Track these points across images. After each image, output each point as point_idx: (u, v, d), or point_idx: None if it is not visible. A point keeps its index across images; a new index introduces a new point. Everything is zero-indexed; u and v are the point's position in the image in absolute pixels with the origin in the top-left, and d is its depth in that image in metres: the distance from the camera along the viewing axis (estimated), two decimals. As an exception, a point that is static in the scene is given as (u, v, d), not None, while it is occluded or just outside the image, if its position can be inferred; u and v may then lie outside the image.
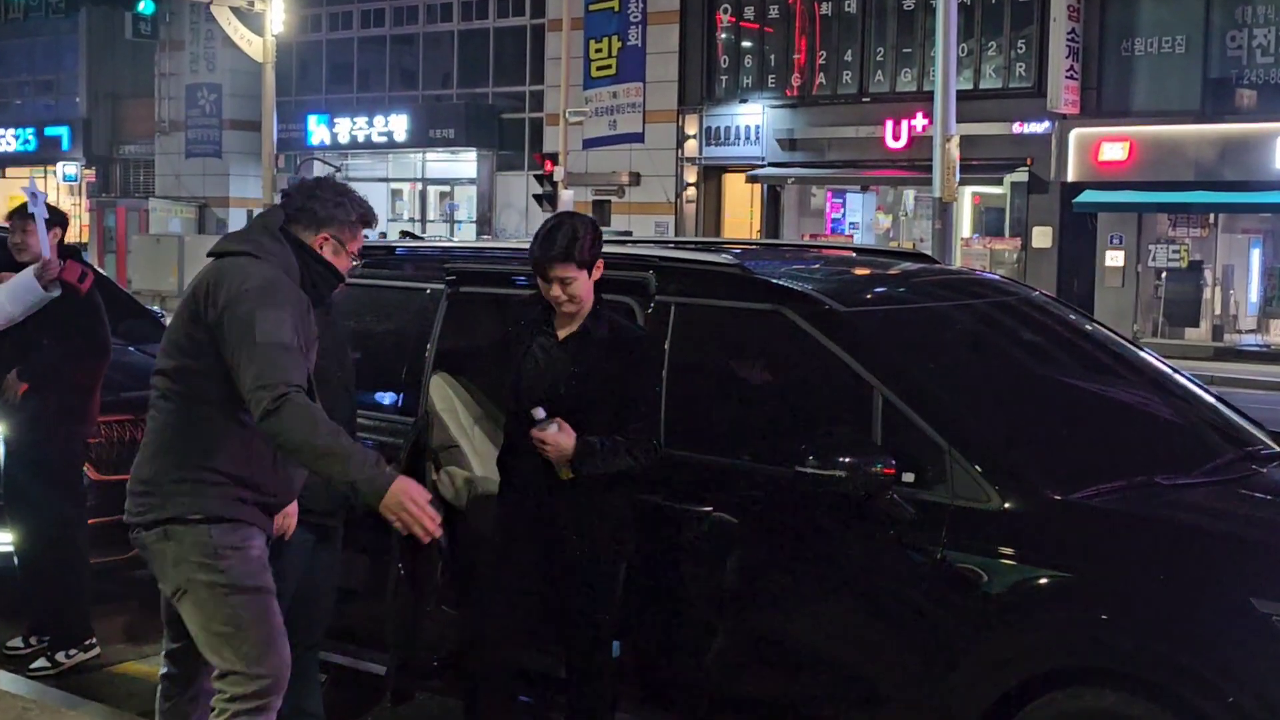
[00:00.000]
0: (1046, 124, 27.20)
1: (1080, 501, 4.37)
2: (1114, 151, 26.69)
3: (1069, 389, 5.57)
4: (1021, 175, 27.79)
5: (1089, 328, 5.95)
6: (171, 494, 4.30)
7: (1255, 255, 27.06)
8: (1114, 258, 27.13)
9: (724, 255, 5.54)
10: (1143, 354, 5.90)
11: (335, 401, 4.77)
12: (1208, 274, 26.92)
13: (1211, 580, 4.11)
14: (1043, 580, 4.26)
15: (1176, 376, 5.73)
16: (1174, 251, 26.89)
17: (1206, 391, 5.76)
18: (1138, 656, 4.05)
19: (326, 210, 4.49)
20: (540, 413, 4.80)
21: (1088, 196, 26.60)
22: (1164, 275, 26.97)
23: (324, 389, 4.52)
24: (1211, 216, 26.80)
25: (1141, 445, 5.13)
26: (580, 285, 4.88)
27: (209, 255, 4.45)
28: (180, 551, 4.27)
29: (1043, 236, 27.64)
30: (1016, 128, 27.28)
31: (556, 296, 4.90)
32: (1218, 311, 26.95)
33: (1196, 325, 26.81)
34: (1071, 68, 27.04)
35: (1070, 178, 27.14)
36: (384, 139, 37.81)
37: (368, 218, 4.60)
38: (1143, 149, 26.31)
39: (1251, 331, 26.77)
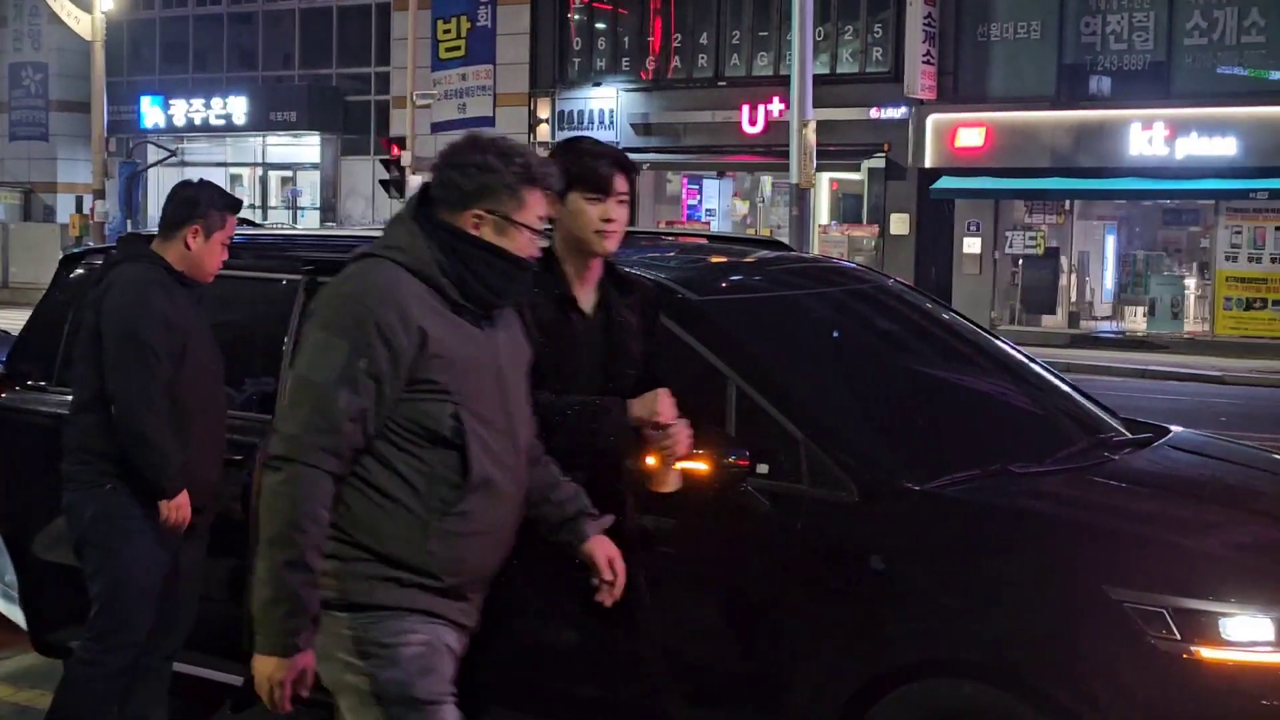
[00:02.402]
0: (904, 109, 27.08)
1: (935, 491, 4.36)
2: (971, 138, 26.65)
3: (924, 378, 5.62)
4: (879, 161, 27.68)
5: (944, 316, 5.97)
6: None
7: (1110, 242, 27.19)
8: (971, 244, 27.14)
9: None
10: (997, 342, 5.89)
11: (211, 397, 4.73)
12: (1064, 261, 27.02)
13: (1064, 568, 4.12)
14: (902, 571, 4.26)
15: (1030, 364, 5.77)
16: (1031, 238, 26.98)
17: (1060, 379, 5.82)
18: (993, 646, 4.08)
19: (472, 178, 3.42)
20: (670, 410, 3.89)
21: (945, 183, 26.55)
22: (1021, 262, 27.04)
23: (201, 383, 4.29)
24: (1067, 203, 26.91)
25: (996, 434, 5.19)
26: (628, 210, 4.09)
27: (348, 261, 3.55)
28: (324, 644, 3.40)
29: (900, 223, 27.55)
30: (874, 113, 27.14)
31: (609, 226, 3.95)
32: (1074, 298, 27.06)
33: (1053, 312, 26.96)
34: (928, 53, 26.92)
35: (928, 164, 27.06)
36: (222, 122, 36.64)
37: (535, 173, 3.45)
38: (999, 135, 26.30)
39: (1107, 318, 26.94)
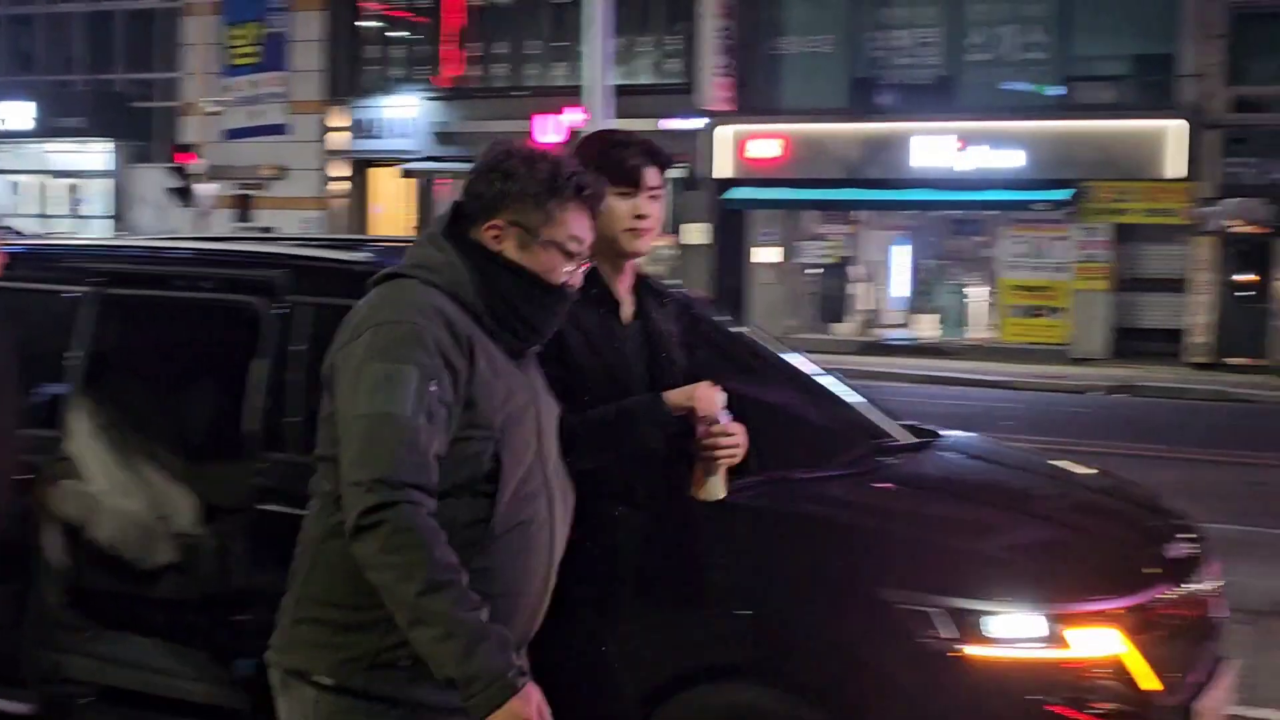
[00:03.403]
0: (699, 121, 27.31)
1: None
2: (765, 148, 27.04)
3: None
4: (675, 171, 27.81)
5: (730, 325, 5.97)
6: (295, 637, 3.01)
7: (901, 252, 27.78)
8: (766, 254, 27.54)
9: (362, 253, 5.27)
10: (782, 350, 5.95)
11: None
12: (856, 270, 27.55)
13: (839, 572, 4.18)
14: (683, 577, 4.23)
15: (814, 371, 5.82)
16: (824, 248, 27.45)
17: (845, 385, 5.88)
18: (774, 651, 4.11)
19: (492, 185, 3.03)
20: (712, 403, 3.53)
21: (739, 193, 26.90)
22: (814, 272, 27.42)
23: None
24: (859, 213, 27.42)
25: (779, 441, 5.06)
26: (663, 206, 3.74)
27: (368, 285, 3.13)
28: (290, 710, 3.04)
29: (697, 233, 27.81)
30: (670, 124, 27.30)
31: (641, 223, 3.59)
32: (866, 307, 27.58)
33: (844, 320, 27.38)
34: (723, 65, 27.22)
35: (723, 174, 27.37)
36: (-1, 127, 35.24)
37: (563, 183, 3.03)
38: (793, 146, 26.73)
39: (898, 326, 27.51)
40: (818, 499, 4.63)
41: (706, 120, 27.32)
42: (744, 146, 27.27)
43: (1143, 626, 4.23)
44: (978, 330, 26.92)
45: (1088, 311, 25.40)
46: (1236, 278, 25.02)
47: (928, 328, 27.18)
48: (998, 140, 25.32)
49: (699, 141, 27.45)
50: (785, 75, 27.79)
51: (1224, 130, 24.71)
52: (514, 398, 3.00)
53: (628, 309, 3.68)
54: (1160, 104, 25.14)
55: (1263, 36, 25.06)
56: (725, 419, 3.50)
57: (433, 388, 2.84)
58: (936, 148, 25.77)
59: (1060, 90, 25.86)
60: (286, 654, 3.02)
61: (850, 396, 5.78)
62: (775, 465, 4.69)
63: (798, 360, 5.88)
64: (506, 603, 2.94)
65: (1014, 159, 25.32)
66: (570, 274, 3.07)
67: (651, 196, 3.64)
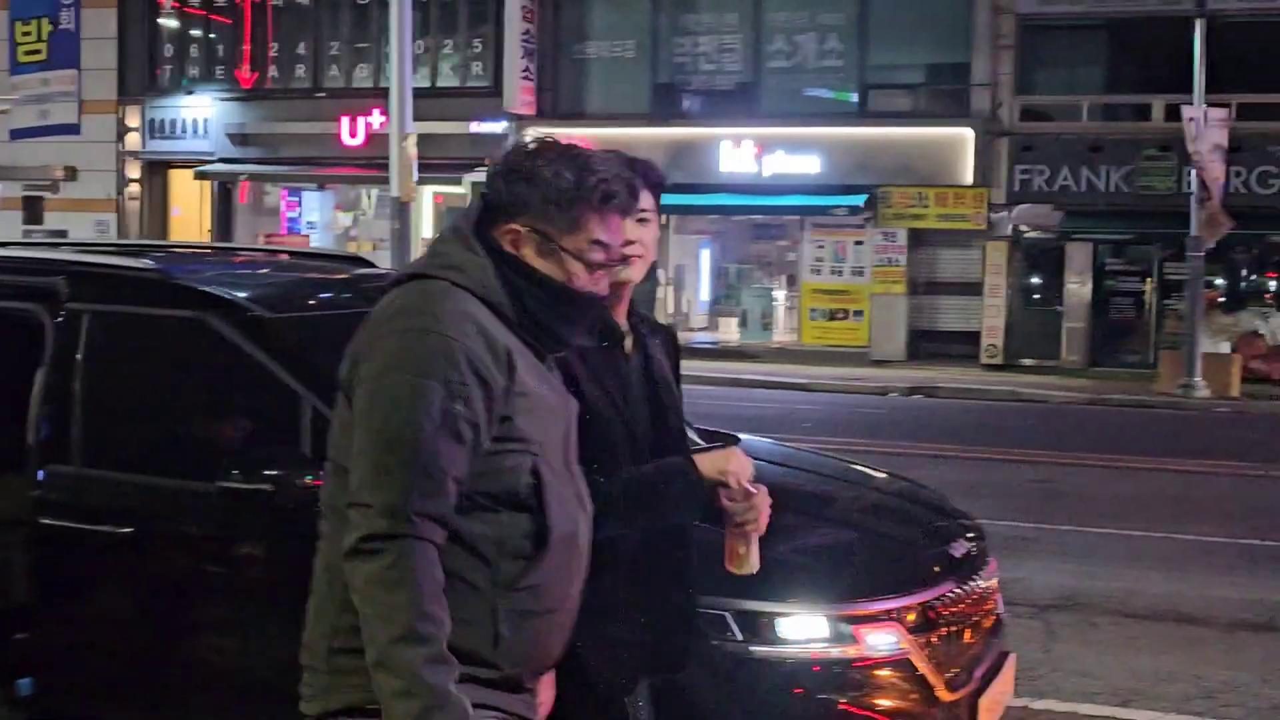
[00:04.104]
0: (504, 124, 27.29)
1: None
2: (570, 153, 27.04)
3: None
4: (481, 175, 27.71)
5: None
6: (338, 671, 2.73)
7: (705, 255, 28.06)
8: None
9: (145, 260, 5.17)
10: None
11: None
12: (662, 274, 27.74)
13: None
14: None
15: None
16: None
17: None
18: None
19: (511, 185, 2.79)
20: (749, 470, 3.22)
21: (546, 197, 26.82)
22: (620, 275, 27.56)
23: None
24: (665, 217, 27.53)
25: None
26: (654, 231, 3.40)
27: (389, 284, 2.88)
28: None
29: (501, 237, 27.69)
30: (474, 127, 27.26)
31: (630, 249, 3.19)
32: (671, 310, 27.83)
33: (651, 324, 27.52)
34: (527, 69, 27.24)
35: (528, 178, 27.29)
36: None
37: (587, 188, 2.78)
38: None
39: (703, 329, 27.79)
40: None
41: (511, 124, 27.28)
42: (550, 150, 27.24)
43: (928, 624, 4.35)
44: (780, 333, 27.35)
45: (886, 315, 25.98)
46: (1029, 281, 25.86)
47: (731, 331, 27.51)
48: (799, 145, 25.76)
49: (505, 145, 27.38)
50: (590, 80, 27.91)
51: (1013, 138, 25.51)
52: (550, 407, 2.82)
53: (629, 340, 3.42)
54: (953, 112, 25.86)
55: (1049, 48, 25.94)
56: (755, 489, 3.20)
57: (458, 407, 2.61)
58: (739, 153, 26.12)
59: (857, 97, 26.42)
60: (332, 695, 2.73)
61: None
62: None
63: None
64: (549, 620, 2.80)
65: (813, 164, 25.78)
66: (596, 280, 2.83)
67: (641, 220, 3.35)
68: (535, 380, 2.77)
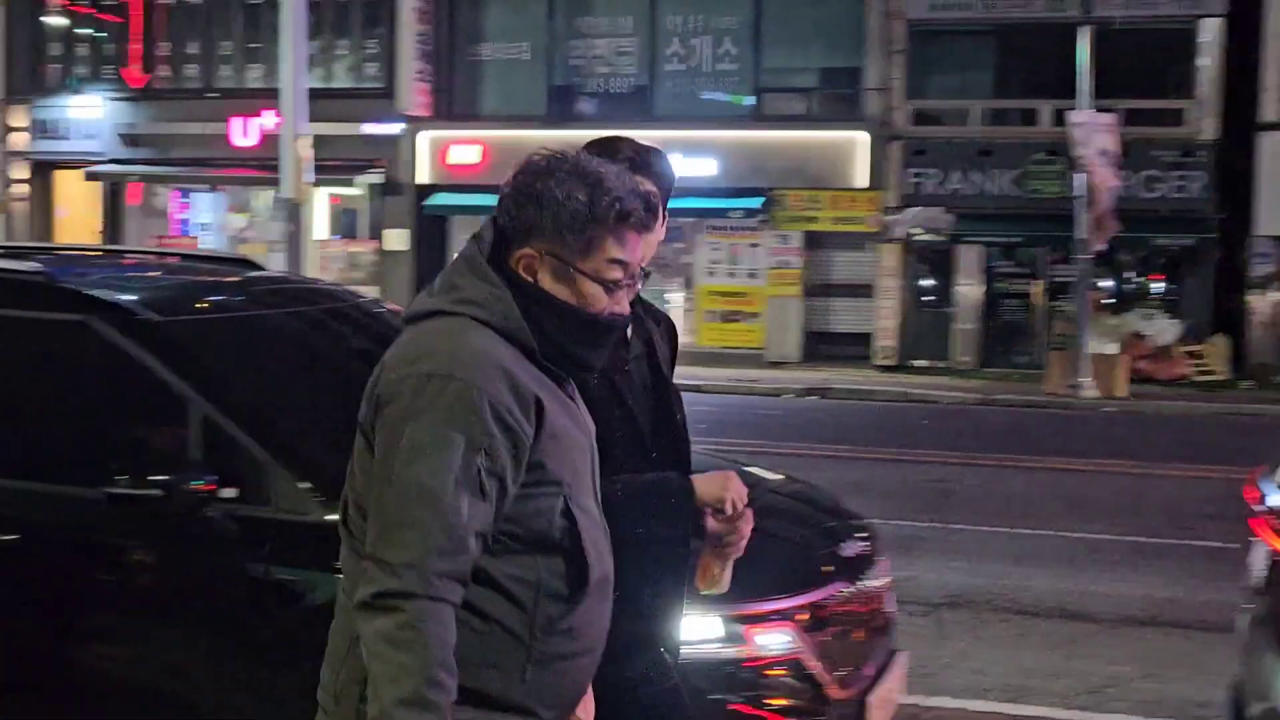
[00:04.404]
0: (398, 125, 27.13)
1: None
2: (465, 154, 27.04)
3: None
4: (375, 177, 27.62)
5: None
6: (360, 715, 2.61)
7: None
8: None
9: (29, 263, 5.12)
10: None
11: None
12: (557, 276, 27.77)
13: None
14: None
15: None
16: (525, 254, 27.57)
17: None
18: None
19: (523, 208, 2.65)
20: (744, 495, 3.19)
21: (438, 199, 26.84)
22: (516, 278, 27.61)
23: None
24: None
25: None
26: (652, 239, 3.09)
27: (403, 320, 2.76)
28: None
29: (397, 239, 27.61)
30: (369, 128, 27.07)
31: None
32: (567, 313, 27.80)
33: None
34: (422, 70, 27.13)
35: (423, 180, 27.25)
36: None
37: (602, 208, 2.63)
38: (493, 153, 26.77)
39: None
40: None
41: (406, 125, 27.15)
42: (444, 153, 27.20)
43: (819, 623, 4.40)
44: (681, 335, 27.38)
45: (781, 316, 26.17)
46: (921, 283, 26.17)
47: (628, 333, 27.55)
48: (695, 148, 25.83)
49: (399, 147, 27.25)
50: (485, 82, 27.85)
51: (906, 142, 25.81)
52: (577, 442, 2.70)
53: (630, 328, 3.29)
54: (847, 116, 26.11)
55: (939, 53, 26.28)
56: (744, 514, 3.16)
57: (481, 459, 2.50)
58: (635, 155, 26.14)
59: (753, 101, 26.59)
60: None
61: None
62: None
63: None
64: (585, 660, 2.72)
65: (709, 167, 25.89)
66: (617, 301, 2.70)
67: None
68: (564, 418, 2.66)
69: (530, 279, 2.66)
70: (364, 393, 2.67)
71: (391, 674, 2.44)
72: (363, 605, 2.49)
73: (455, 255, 2.76)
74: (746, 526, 3.15)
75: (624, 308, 2.73)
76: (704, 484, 3.12)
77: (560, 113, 26.75)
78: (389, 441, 2.53)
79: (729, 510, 3.10)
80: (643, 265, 2.76)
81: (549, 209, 2.62)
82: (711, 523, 3.11)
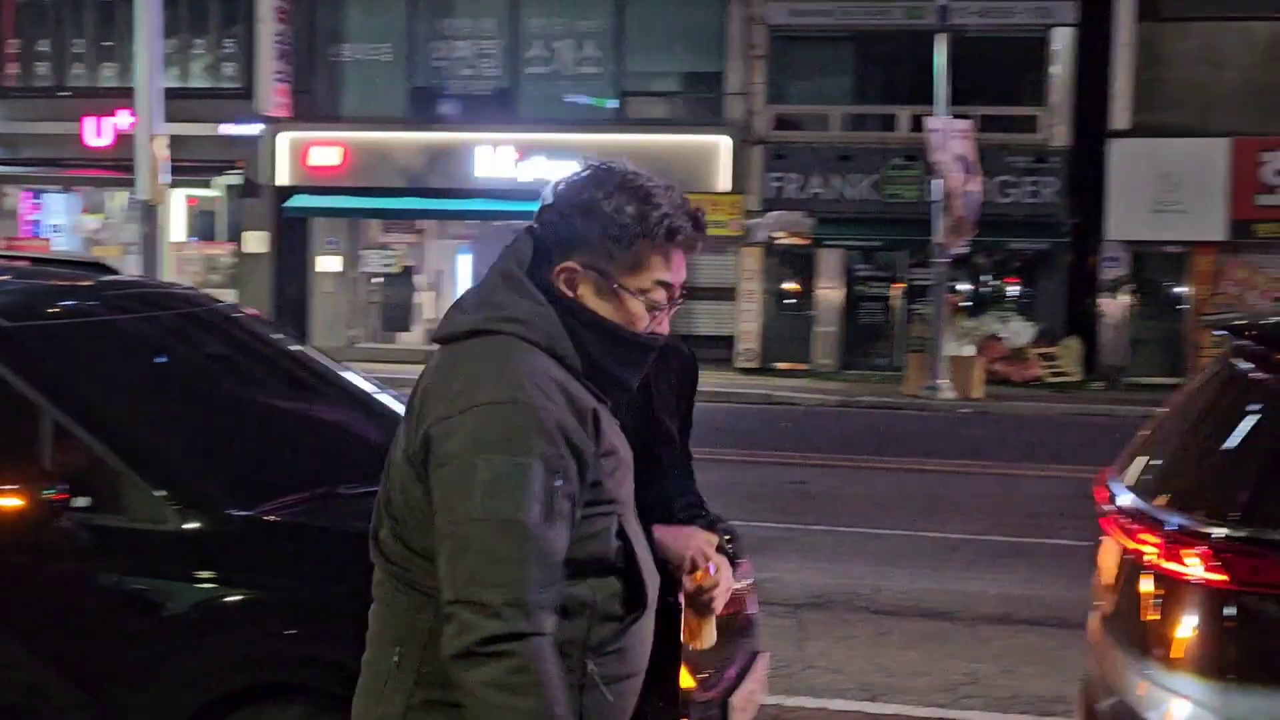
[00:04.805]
0: (257, 126, 26.76)
1: (263, 517, 4.34)
2: (325, 156, 26.75)
3: (255, 404, 5.57)
4: (234, 178, 27.23)
5: (280, 339, 5.97)
6: None
7: (465, 261, 27.95)
8: (328, 263, 27.27)
9: None
10: (339, 368, 5.93)
11: None
12: (420, 279, 27.61)
13: None
14: (229, 598, 4.23)
15: (367, 386, 5.84)
16: (387, 257, 27.41)
17: (401, 401, 5.80)
18: (325, 669, 4.04)
19: (568, 221, 2.54)
20: (712, 552, 3.02)
21: (298, 201, 26.55)
22: (378, 281, 27.48)
23: None
24: (423, 223, 27.49)
25: (327, 457, 5.21)
26: None
27: (436, 340, 2.63)
28: None
29: (256, 241, 27.23)
30: (227, 129, 26.65)
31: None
32: (431, 316, 27.62)
33: (410, 330, 27.40)
34: (281, 70, 26.79)
35: (283, 181, 26.92)
36: None
37: (653, 223, 2.53)
38: (355, 154, 26.54)
39: (462, 335, 27.64)
40: (365, 514, 4.60)
41: (265, 126, 26.78)
42: (305, 154, 26.88)
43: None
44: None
45: (644, 319, 26.21)
46: (783, 286, 26.43)
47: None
48: (559, 151, 25.80)
49: (258, 148, 26.86)
50: (346, 82, 27.57)
51: (767, 146, 26.04)
52: (626, 461, 2.62)
53: None
54: (709, 120, 26.29)
55: (800, 58, 26.57)
56: (715, 567, 3.01)
57: (558, 482, 2.40)
58: (498, 158, 26.12)
59: (615, 104, 26.65)
60: None
61: (404, 411, 5.78)
62: (328, 482, 4.70)
63: (354, 377, 5.87)
64: (633, 682, 2.64)
65: (572, 170, 25.81)
66: (658, 322, 2.61)
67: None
68: (614, 436, 2.58)
69: (570, 294, 2.54)
70: (409, 420, 2.53)
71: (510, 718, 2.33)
72: (464, 654, 2.34)
73: (490, 269, 2.61)
74: (725, 578, 3.02)
75: (664, 328, 2.63)
76: (665, 541, 2.96)
77: (422, 114, 26.60)
78: (460, 478, 2.39)
79: (689, 567, 2.97)
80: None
81: (597, 221, 2.52)
82: (686, 580, 2.98)
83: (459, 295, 2.67)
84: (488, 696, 2.34)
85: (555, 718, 2.35)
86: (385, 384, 6.08)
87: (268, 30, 26.46)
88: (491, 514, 2.36)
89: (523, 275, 2.54)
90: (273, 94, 26.61)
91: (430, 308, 27.68)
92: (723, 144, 25.91)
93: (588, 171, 2.60)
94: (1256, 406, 4.06)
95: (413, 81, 27.15)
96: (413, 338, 27.25)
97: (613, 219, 2.51)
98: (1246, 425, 4.03)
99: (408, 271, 27.54)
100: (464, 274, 28.02)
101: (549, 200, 2.59)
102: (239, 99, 26.93)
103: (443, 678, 2.45)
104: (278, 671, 4.18)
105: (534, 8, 26.84)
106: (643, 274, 2.55)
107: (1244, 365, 4.28)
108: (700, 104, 26.90)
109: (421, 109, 26.77)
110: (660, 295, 2.58)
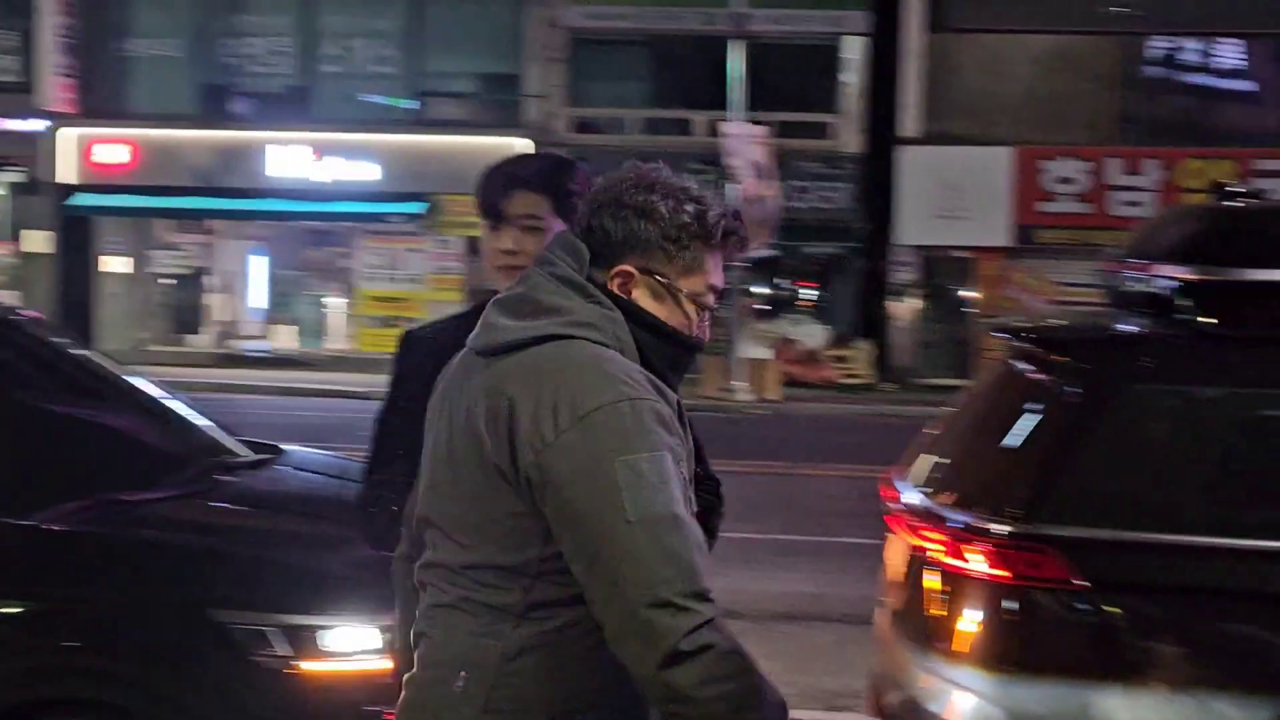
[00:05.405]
0: (39, 122, 25.89)
1: (38, 526, 4.27)
2: (112, 154, 26.04)
3: (34, 410, 5.40)
4: (15, 175, 26.37)
5: (62, 343, 5.86)
6: None
7: (258, 262, 27.47)
8: (115, 264, 26.57)
9: None
10: (124, 372, 5.86)
11: None
12: (211, 281, 27.05)
13: (172, 594, 4.14)
14: (5, 610, 4.17)
15: (154, 391, 5.76)
16: (177, 258, 26.81)
17: (186, 404, 5.86)
18: (106, 682, 4.03)
19: (625, 223, 2.49)
20: None
21: (82, 200, 25.80)
22: (167, 282, 26.88)
23: None
24: (214, 223, 26.92)
25: (108, 464, 5.14)
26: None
27: (480, 352, 2.49)
28: None
29: (38, 241, 26.37)
30: (7, 125, 25.75)
31: (512, 259, 3.13)
32: (222, 318, 27.10)
33: (199, 332, 26.84)
34: (64, 64, 25.97)
35: (67, 180, 26.08)
36: None
37: (712, 224, 2.52)
38: (143, 152, 25.86)
39: (256, 337, 27.17)
40: (148, 521, 4.54)
41: (48, 122, 25.92)
42: (89, 151, 26.09)
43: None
44: (336, 341, 27.04)
45: (443, 322, 26.03)
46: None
47: (286, 339, 27.02)
48: (355, 152, 25.57)
49: (40, 144, 25.98)
50: (134, 78, 26.83)
51: (565, 149, 26.01)
52: (690, 453, 2.60)
53: None
54: (507, 122, 26.19)
55: (598, 62, 26.68)
56: None
57: (683, 469, 2.42)
58: (292, 158, 25.70)
59: (413, 105, 26.43)
60: None
61: (192, 415, 5.70)
62: (109, 488, 4.59)
63: (139, 381, 5.77)
64: None
65: (369, 171, 25.63)
66: (704, 327, 2.60)
67: (527, 228, 3.17)
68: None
69: (627, 298, 2.51)
70: (490, 431, 2.40)
71: (733, 704, 2.32)
72: (670, 659, 2.29)
73: (533, 272, 2.54)
74: None
75: (707, 334, 2.61)
76: None
77: (214, 112, 26.04)
78: (601, 489, 2.32)
79: None
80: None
81: (655, 222, 2.49)
82: None
83: (499, 298, 2.56)
84: (706, 694, 2.31)
85: (763, 690, 2.37)
86: (174, 388, 5.96)
87: (50, 23, 25.64)
88: (646, 513, 2.31)
89: (583, 279, 2.49)
90: (55, 89, 25.78)
91: (221, 310, 27.12)
92: (520, 146, 25.83)
93: (631, 174, 2.57)
94: (1035, 406, 4.19)
95: (204, 78, 26.56)
96: (204, 340, 26.67)
97: (670, 220, 2.50)
98: (1025, 425, 4.16)
99: (198, 273, 26.96)
100: (257, 275, 27.53)
101: (599, 201, 2.54)
102: (19, 93, 25.99)
103: (514, 705, 2.42)
104: (60, 686, 4.09)
105: (329, 5, 26.48)
106: (697, 277, 2.54)
107: (1023, 366, 4.42)
108: (499, 106, 26.82)
109: (213, 106, 26.19)
110: (710, 299, 2.57)
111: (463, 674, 2.44)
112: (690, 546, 2.35)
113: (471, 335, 2.56)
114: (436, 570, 2.52)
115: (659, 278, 2.51)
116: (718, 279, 2.58)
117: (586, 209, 2.54)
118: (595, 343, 2.44)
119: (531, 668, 2.43)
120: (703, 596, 2.33)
